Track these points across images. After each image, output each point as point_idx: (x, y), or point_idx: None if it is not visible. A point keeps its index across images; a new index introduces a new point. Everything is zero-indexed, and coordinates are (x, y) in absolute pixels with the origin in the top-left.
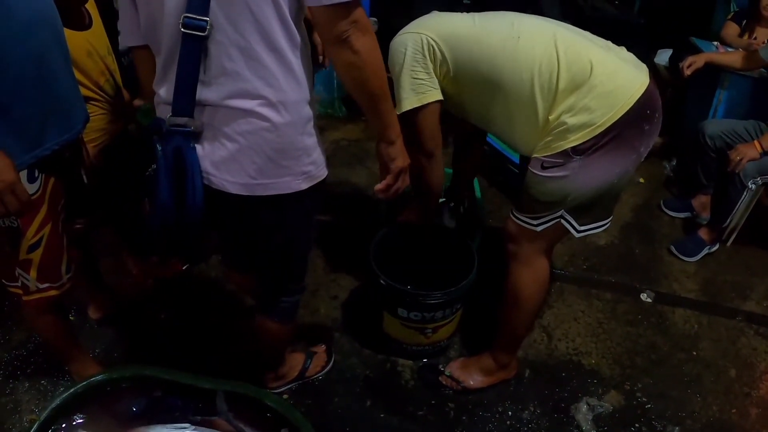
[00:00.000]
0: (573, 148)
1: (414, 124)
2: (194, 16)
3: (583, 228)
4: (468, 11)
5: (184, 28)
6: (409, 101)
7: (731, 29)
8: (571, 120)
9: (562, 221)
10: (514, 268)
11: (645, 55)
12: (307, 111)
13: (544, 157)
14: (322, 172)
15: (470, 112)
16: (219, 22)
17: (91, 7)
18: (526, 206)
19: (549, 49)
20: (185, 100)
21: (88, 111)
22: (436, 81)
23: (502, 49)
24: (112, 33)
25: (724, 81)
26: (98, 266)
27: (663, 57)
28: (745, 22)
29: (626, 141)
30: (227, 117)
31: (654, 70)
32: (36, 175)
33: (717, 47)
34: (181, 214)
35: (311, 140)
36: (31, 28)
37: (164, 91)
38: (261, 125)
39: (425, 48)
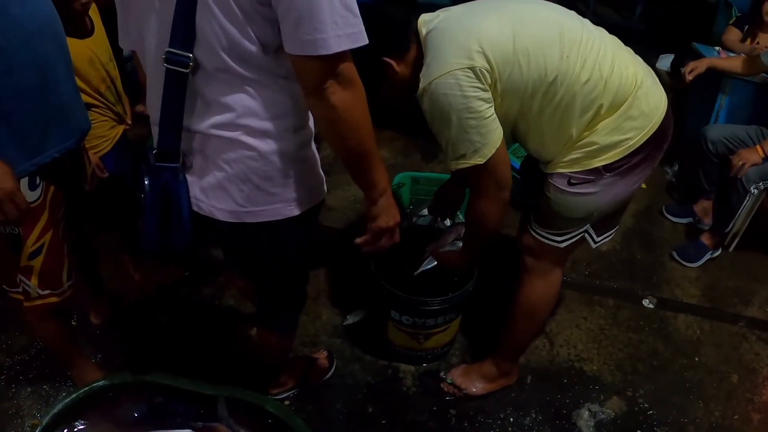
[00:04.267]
0: (605, 166)
1: (498, 159)
2: (177, 51)
3: (599, 238)
4: None
5: (167, 63)
6: (493, 143)
7: (733, 34)
8: (603, 139)
9: (586, 235)
10: (529, 280)
11: (646, 60)
12: (297, 138)
13: (572, 172)
14: (318, 197)
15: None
16: (201, 54)
17: (93, 13)
18: (549, 222)
19: (596, 72)
20: (171, 137)
21: (89, 118)
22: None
23: (554, 72)
24: (115, 38)
25: (725, 86)
26: (100, 271)
27: (665, 62)
28: (746, 27)
29: (652, 159)
30: (214, 145)
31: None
32: (37, 182)
33: (719, 52)
34: (168, 241)
35: (303, 165)
36: (34, 37)
37: (153, 114)
38: (246, 154)
39: (483, 79)
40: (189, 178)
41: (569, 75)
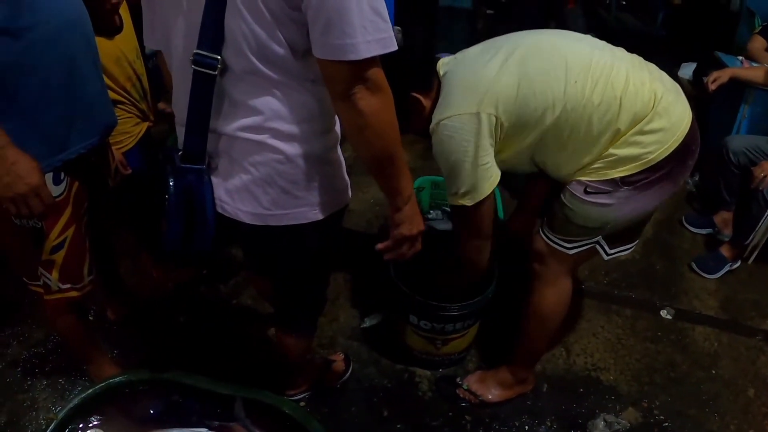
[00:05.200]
0: (622, 178)
1: (480, 209)
2: (205, 53)
3: (612, 251)
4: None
5: (194, 65)
6: (482, 191)
7: (758, 43)
8: (622, 152)
9: (597, 246)
10: (538, 287)
11: (668, 68)
12: (324, 142)
13: (588, 181)
14: (343, 201)
15: (506, 160)
16: (229, 56)
17: (123, 10)
18: (560, 227)
19: (608, 92)
20: (197, 138)
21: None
22: (493, 153)
23: (561, 101)
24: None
25: (748, 96)
26: (118, 268)
27: (687, 71)
28: None
29: (674, 177)
30: (241, 147)
31: (678, 84)
32: (62, 177)
33: (742, 62)
34: (191, 242)
35: (328, 169)
36: (62, 33)
37: (179, 114)
38: (273, 157)
39: (494, 128)
40: (214, 179)
41: (579, 100)
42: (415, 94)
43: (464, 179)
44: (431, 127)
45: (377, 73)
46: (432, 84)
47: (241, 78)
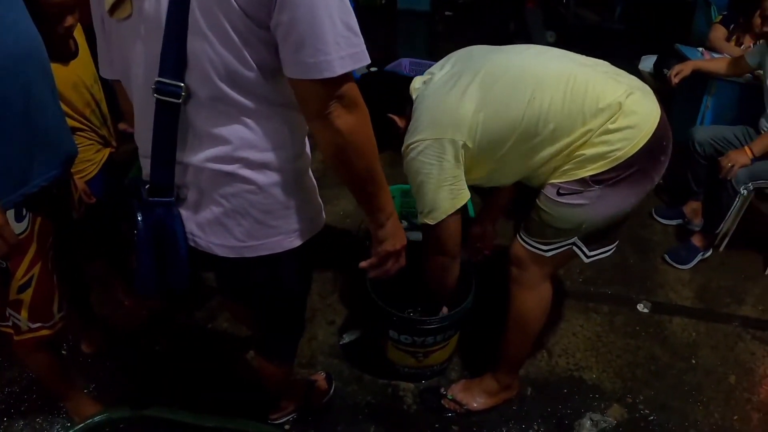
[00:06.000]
0: (592, 177)
1: (443, 229)
2: (167, 81)
3: (592, 254)
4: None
5: (156, 94)
6: (444, 210)
7: (719, 32)
8: (589, 151)
9: (574, 248)
10: (518, 292)
11: (628, 61)
12: (297, 167)
13: (560, 183)
14: (318, 226)
15: (476, 177)
16: (192, 83)
17: (78, 34)
18: (537, 230)
19: (567, 101)
20: (164, 171)
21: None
22: (463, 176)
23: (521, 117)
24: None
25: (711, 87)
26: (90, 299)
27: (647, 63)
28: (732, 26)
29: (646, 174)
30: (210, 179)
31: (638, 77)
32: (24, 213)
33: (702, 54)
34: (163, 278)
35: (302, 195)
36: (17, 64)
37: (144, 146)
38: (245, 188)
39: (458, 152)
40: (183, 212)
41: (541, 114)
42: (391, 116)
43: (428, 199)
44: (402, 149)
45: (352, 89)
46: (406, 106)
47: (206, 105)
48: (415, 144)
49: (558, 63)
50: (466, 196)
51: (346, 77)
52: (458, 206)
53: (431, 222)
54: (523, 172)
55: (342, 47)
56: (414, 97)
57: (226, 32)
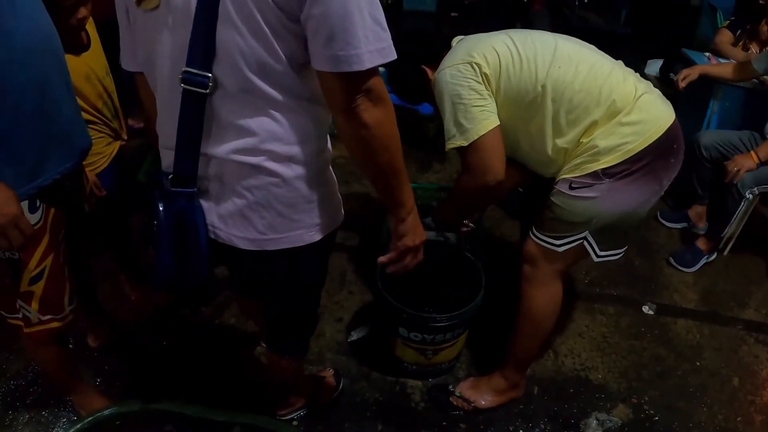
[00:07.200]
0: (603, 170)
1: (484, 149)
2: (195, 71)
3: (603, 253)
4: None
5: (184, 84)
6: (475, 130)
7: (725, 37)
8: (602, 143)
9: (585, 243)
10: (529, 290)
11: (634, 65)
12: (320, 161)
13: (573, 177)
14: (338, 220)
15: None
16: (220, 74)
17: (90, 26)
18: (549, 225)
19: (589, 80)
20: (188, 162)
21: None
22: (495, 105)
23: (545, 77)
24: (112, 50)
25: (717, 92)
26: (97, 293)
27: (653, 67)
28: (739, 32)
29: (654, 171)
30: (234, 171)
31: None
32: (37, 205)
33: (709, 58)
34: (183, 271)
35: (325, 190)
36: (33, 55)
37: (166, 138)
38: (269, 180)
39: (481, 76)
40: (204, 204)
41: (560, 82)
42: (424, 66)
43: (458, 120)
44: (432, 82)
45: (379, 83)
46: (439, 57)
47: (233, 96)
48: (445, 69)
49: (587, 49)
50: (495, 121)
51: (374, 71)
52: (489, 128)
53: (464, 143)
54: (541, 150)
55: (371, 41)
56: (453, 44)
57: (258, 24)
